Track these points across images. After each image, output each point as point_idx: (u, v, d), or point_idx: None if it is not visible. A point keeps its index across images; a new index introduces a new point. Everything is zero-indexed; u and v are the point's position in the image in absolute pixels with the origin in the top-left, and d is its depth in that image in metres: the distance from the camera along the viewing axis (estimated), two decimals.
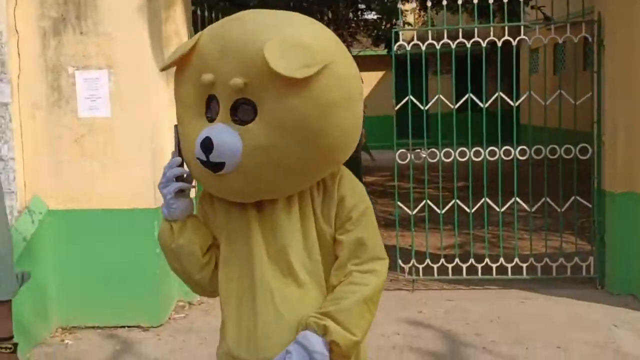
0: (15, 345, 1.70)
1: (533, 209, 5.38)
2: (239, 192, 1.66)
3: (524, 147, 5.30)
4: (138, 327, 4.58)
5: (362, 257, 1.69)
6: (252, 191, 1.64)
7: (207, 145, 1.55)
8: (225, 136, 1.55)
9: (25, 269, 1.84)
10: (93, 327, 4.58)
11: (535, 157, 5.32)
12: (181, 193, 1.71)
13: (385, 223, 8.14)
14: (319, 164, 1.63)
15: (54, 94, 4.47)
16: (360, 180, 9.01)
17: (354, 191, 1.73)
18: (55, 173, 4.50)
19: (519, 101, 5.41)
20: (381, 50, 11.99)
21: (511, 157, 5.29)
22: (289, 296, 1.68)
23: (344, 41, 10.19)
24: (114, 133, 4.48)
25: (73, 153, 4.50)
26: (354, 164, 9.50)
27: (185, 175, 1.70)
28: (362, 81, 1.88)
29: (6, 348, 1.67)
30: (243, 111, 1.55)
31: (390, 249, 6.40)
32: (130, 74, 4.44)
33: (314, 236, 1.70)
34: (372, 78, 18.60)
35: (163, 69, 1.72)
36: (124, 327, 4.59)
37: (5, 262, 1.68)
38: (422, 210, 5.52)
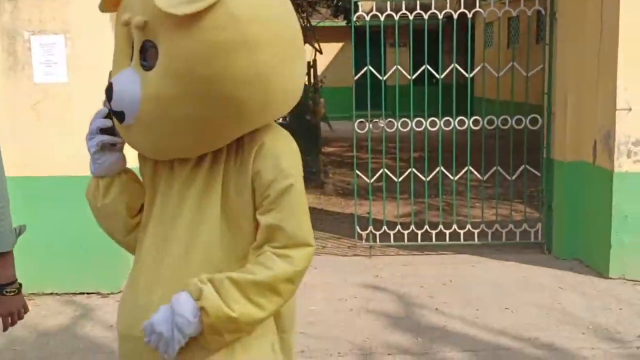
0: (20, 286, 1.92)
1: (485, 178, 5.57)
2: (145, 147, 1.51)
3: (478, 117, 5.46)
4: (97, 293, 4.61)
5: (281, 241, 1.46)
6: (155, 147, 1.48)
7: (108, 92, 1.44)
8: (125, 83, 1.42)
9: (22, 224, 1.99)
10: (52, 294, 4.59)
11: (488, 127, 5.49)
12: (111, 147, 1.54)
13: (344, 192, 8.29)
14: (217, 119, 1.41)
15: (9, 59, 4.40)
16: (318, 150, 9.04)
17: (275, 164, 1.46)
18: (12, 139, 4.44)
19: (473, 72, 5.55)
20: (340, 22, 12.00)
21: (465, 127, 5.45)
22: (176, 276, 1.48)
23: (302, 12, 10.20)
24: (71, 99, 4.44)
25: (30, 119, 4.45)
26: (313, 135, 9.57)
27: (116, 128, 1.53)
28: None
29: (11, 292, 1.88)
30: (150, 55, 1.40)
31: (348, 217, 6.58)
32: (87, 38, 4.39)
33: (217, 210, 1.49)
34: (331, 49, 18.60)
35: (100, 9, 1.58)
36: (82, 293, 4.60)
37: (7, 217, 1.87)
38: (379, 179, 5.64)
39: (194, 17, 1.32)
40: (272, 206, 1.46)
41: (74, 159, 4.47)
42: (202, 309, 1.39)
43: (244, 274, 1.43)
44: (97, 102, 5.00)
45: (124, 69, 1.44)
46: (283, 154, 1.49)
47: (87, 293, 4.61)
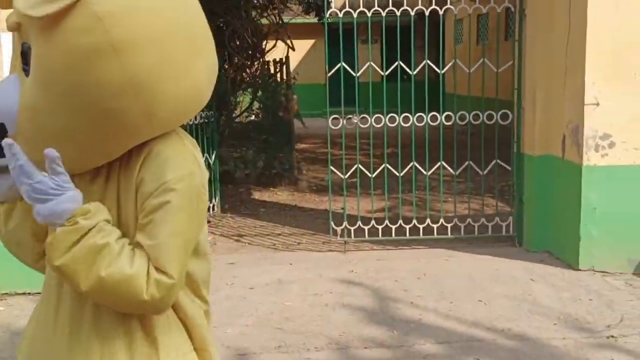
0: None
1: (457, 173, 5.64)
2: (35, 163, 1.29)
3: (450, 113, 5.53)
4: None
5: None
6: (40, 161, 1.28)
7: None
8: (2, 90, 1.28)
9: None
10: (24, 294, 4.53)
11: (460, 123, 5.56)
12: (5, 170, 1.33)
13: (318, 188, 8.31)
14: (96, 133, 1.26)
15: None
16: (292, 147, 9.08)
17: (159, 175, 1.28)
18: None
19: (445, 69, 5.62)
20: (312, 19, 12.01)
21: (437, 122, 5.52)
22: (70, 305, 1.35)
23: (274, 8, 10.18)
24: None
25: None
26: (286, 132, 9.57)
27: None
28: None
29: None
30: (30, 59, 1.26)
31: (322, 213, 6.60)
32: None
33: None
34: (303, 46, 18.61)
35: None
36: None
37: None
38: (353, 175, 5.67)
39: (56, 19, 1.17)
40: (144, 221, 1.29)
41: None
42: (50, 242, 1.25)
43: (117, 255, 1.25)
44: None
45: (10, 75, 1.31)
46: (171, 163, 1.30)
47: None
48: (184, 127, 6.53)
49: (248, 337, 3.82)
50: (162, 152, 1.30)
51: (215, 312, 4.39)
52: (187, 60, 1.28)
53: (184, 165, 1.31)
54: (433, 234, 5.60)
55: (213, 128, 6.72)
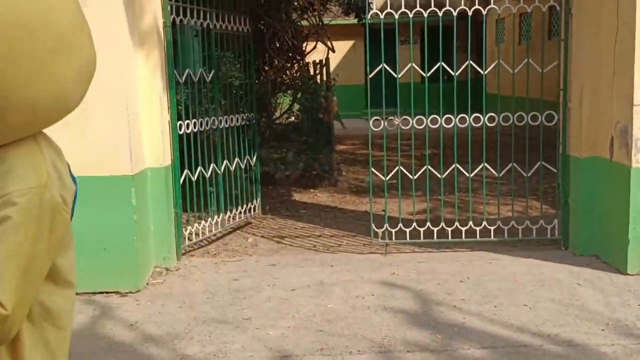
0: None
1: (500, 175, 5.56)
2: None
3: (493, 114, 5.45)
4: (116, 292, 4.64)
5: None
6: None
7: None
8: None
9: None
10: None
11: (503, 124, 5.48)
12: None
13: (357, 190, 8.29)
14: None
15: None
16: (332, 148, 9.08)
17: (3, 183, 1.14)
18: None
19: (488, 69, 5.54)
20: (351, 20, 12.01)
21: (480, 124, 5.44)
22: None
23: (314, 10, 10.19)
24: (88, 99, 4.44)
25: None
26: (326, 133, 9.57)
27: None
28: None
29: None
30: None
31: (363, 215, 6.59)
32: (104, 39, 4.41)
33: None
34: (342, 47, 18.60)
35: None
36: (102, 292, 4.64)
37: None
38: (394, 177, 5.64)
39: None
40: None
41: (92, 159, 4.52)
42: None
43: None
44: (114, 103, 4.98)
45: None
46: (17, 172, 1.15)
47: (106, 292, 4.64)
48: (225, 129, 6.56)
49: (290, 339, 3.82)
50: (8, 159, 1.16)
51: (256, 313, 4.41)
52: (45, 60, 1.14)
53: (33, 176, 1.15)
54: (475, 237, 5.52)
55: (254, 130, 6.76)
